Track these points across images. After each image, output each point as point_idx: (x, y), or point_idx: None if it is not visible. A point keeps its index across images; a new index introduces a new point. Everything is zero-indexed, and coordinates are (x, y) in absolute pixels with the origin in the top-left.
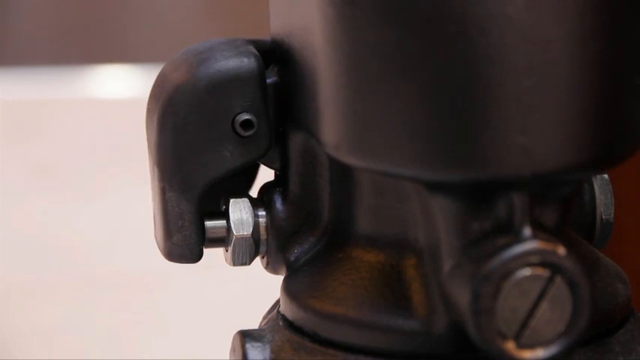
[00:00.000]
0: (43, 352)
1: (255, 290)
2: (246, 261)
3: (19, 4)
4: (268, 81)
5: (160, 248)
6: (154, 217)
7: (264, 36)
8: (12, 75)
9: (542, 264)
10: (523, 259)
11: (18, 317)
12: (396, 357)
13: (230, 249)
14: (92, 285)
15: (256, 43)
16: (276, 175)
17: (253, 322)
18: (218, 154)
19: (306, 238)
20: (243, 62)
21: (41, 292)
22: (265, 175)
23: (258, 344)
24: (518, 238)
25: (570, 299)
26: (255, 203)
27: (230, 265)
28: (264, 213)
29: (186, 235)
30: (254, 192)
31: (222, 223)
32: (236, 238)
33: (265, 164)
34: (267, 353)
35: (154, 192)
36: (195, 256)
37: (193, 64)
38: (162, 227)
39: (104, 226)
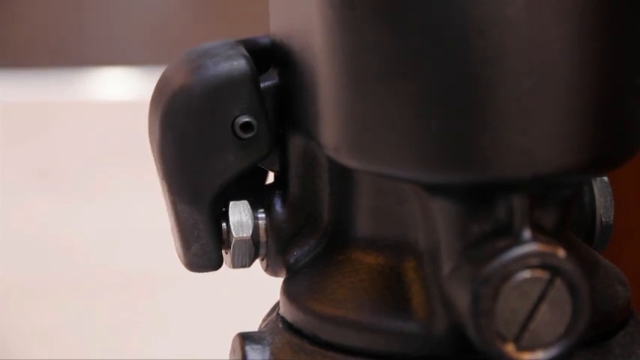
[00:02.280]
0: (43, 352)
1: (255, 292)
2: (246, 263)
3: (19, 6)
4: (268, 83)
5: (181, 261)
6: (171, 229)
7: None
8: (12, 77)
9: (542, 266)
10: (523, 262)
11: (18, 317)
12: (396, 359)
13: (230, 251)
14: (92, 285)
15: (249, 43)
16: (275, 177)
17: (253, 324)
18: (222, 159)
19: (306, 241)
20: (233, 65)
21: (41, 292)
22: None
23: (258, 346)
24: (518, 241)
25: (570, 301)
26: (255, 205)
27: (230, 267)
28: (263, 215)
29: (203, 244)
30: None
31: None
32: (235, 241)
33: (265, 167)
34: (267, 355)
35: (167, 205)
36: (215, 264)
37: (187, 72)
38: (180, 239)
39: (104, 226)
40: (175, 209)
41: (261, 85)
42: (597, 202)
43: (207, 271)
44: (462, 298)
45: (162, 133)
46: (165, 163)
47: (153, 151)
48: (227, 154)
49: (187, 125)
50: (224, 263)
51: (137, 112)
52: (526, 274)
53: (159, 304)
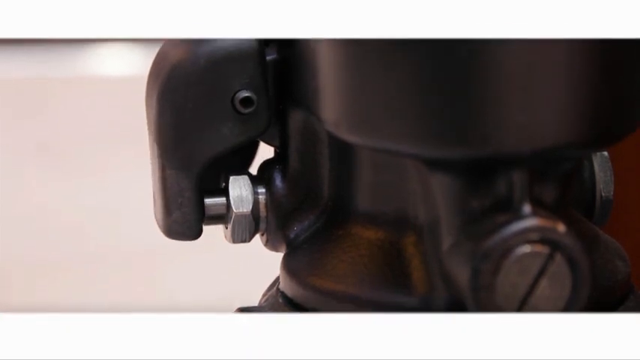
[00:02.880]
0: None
1: (255, 267)
2: (246, 238)
3: None
4: (268, 58)
5: (159, 225)
6: (154, 194)
7: None
8: (11, 53)
9: (542, 241)
10: (523, 236)
11: (19, 294)
12: None
13: (230, 226)
14: (94, 262)
15: None
16: (275, 152)
17: (253, 299)
18: (218, 131)
19: (306, 216)
20: (243, 39)
21: (42, 268)
22: (265, 152)
23: None
24: (518, 215)
25: (570, 276)
26: (255, 180)
27: (230, 242)
28: (263, 190)
29: (185, 213)
30: (254, 169)
31: (222, 200)
32: (236, 216)
33: (265, 141)
34: None
35: (154, 169)
36: (195, 234)
37: (188, 45)
38: (161, 204)
39: (105, 203)
40: (163, 174)
41: None
42: (597, 177)
43: (184, 239)
44: (462, 273)
45: (161, 98)
46: (160, 127)
47: (148, 116)
48: (224, 126)
49: (188, 93)
50: (225, 238)
51: (138, 88)
52: (526, 248)
53: (160, 280)
